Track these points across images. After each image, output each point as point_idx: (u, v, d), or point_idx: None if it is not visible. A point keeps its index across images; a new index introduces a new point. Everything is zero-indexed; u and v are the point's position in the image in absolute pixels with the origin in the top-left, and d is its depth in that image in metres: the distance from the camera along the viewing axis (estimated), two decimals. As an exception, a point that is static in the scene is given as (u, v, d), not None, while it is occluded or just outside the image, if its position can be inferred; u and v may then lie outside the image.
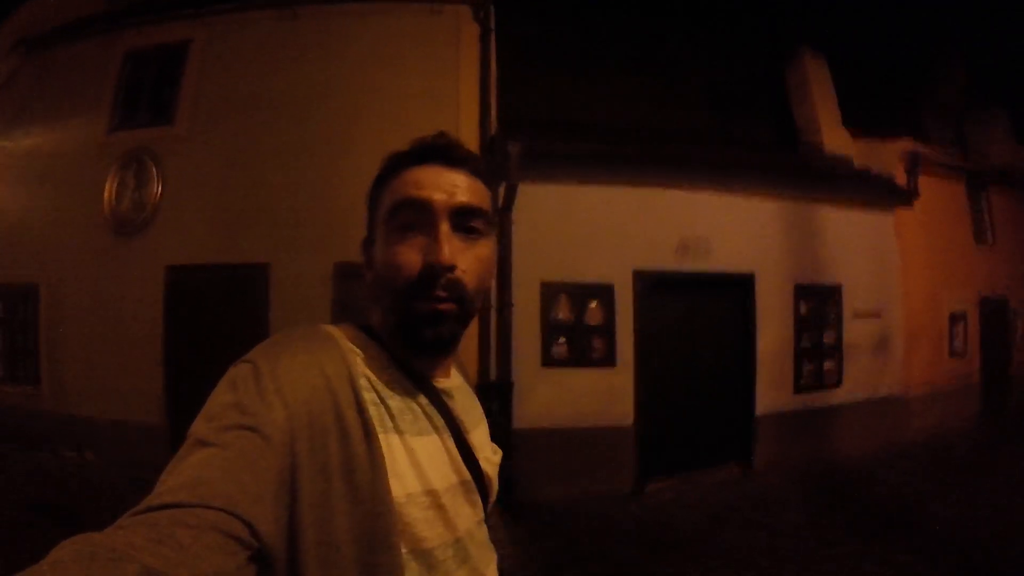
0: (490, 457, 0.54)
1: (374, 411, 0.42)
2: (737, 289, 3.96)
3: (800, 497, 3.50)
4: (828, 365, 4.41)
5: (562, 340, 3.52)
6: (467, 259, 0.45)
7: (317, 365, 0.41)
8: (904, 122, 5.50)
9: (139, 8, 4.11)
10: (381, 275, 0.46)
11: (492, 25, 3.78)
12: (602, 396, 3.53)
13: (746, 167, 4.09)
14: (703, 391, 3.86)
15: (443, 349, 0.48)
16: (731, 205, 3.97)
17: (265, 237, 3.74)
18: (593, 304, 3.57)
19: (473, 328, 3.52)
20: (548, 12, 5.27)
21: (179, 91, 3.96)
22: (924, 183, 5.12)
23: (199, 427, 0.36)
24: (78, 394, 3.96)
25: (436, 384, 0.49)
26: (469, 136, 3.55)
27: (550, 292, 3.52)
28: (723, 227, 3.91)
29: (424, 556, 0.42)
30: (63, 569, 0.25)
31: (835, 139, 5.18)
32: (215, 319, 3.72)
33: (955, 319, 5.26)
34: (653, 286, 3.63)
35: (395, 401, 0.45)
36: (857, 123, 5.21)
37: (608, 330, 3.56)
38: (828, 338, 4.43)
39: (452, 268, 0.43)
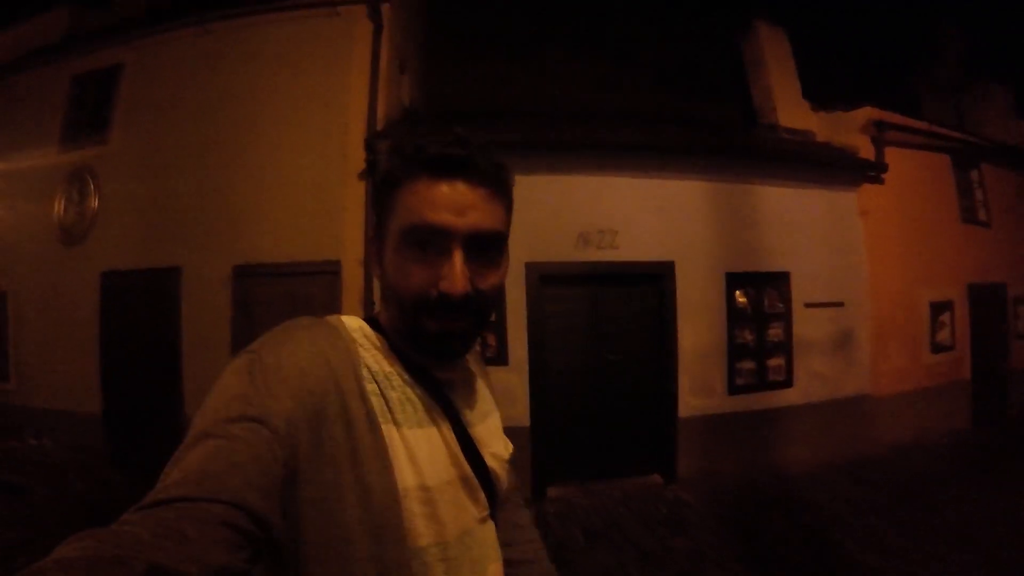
0: (498, 452, 0.52)
1: (375, 402, 0.42)
2: (653, 280, 3.64)
3: (715, 515, 3.10)
4: (774, 362, 3.94)
5: (452, 337, 3.40)
6: (482, 279, 0.45)
7: (321, 355, 0.41)
8: (880, 93, 4.92)
9: (82, 37, 4.51)
10: (392, 284, 0.45)
11: (383, 22, 3.77)
12: (496, 396, 3.35)
13: (665, 149, 3.77)
14: (614, 392, 3.55)
15: (455, 359, 0.49)
16: (647, 189, 3.65)
17: (178, 241, 3.93)
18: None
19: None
20: None
21: (113, 111, 4.31)
22: (899, 157, 4.52)
23: (203, 419, 0.35)
24: (38, 388, 4.37)
25: (437, 375, 0.48)
26: (356, 133, 3.55)
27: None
28: (637, 213, 3.59)
29: (417, 553, 0.41)
30: (68, 568, 0.24)
31: (793, 114, 4.72)
32: (139, 320, 3.99)
33: (938, 309, 4.56)
34: (548, 279, 3.41)
35: (394, 392, 0.44)
36: (829, 98, 4.71)
37: (499, 326, 3.38)
38: (774, 332, 3.96)
39: (467, 296, 0.43)
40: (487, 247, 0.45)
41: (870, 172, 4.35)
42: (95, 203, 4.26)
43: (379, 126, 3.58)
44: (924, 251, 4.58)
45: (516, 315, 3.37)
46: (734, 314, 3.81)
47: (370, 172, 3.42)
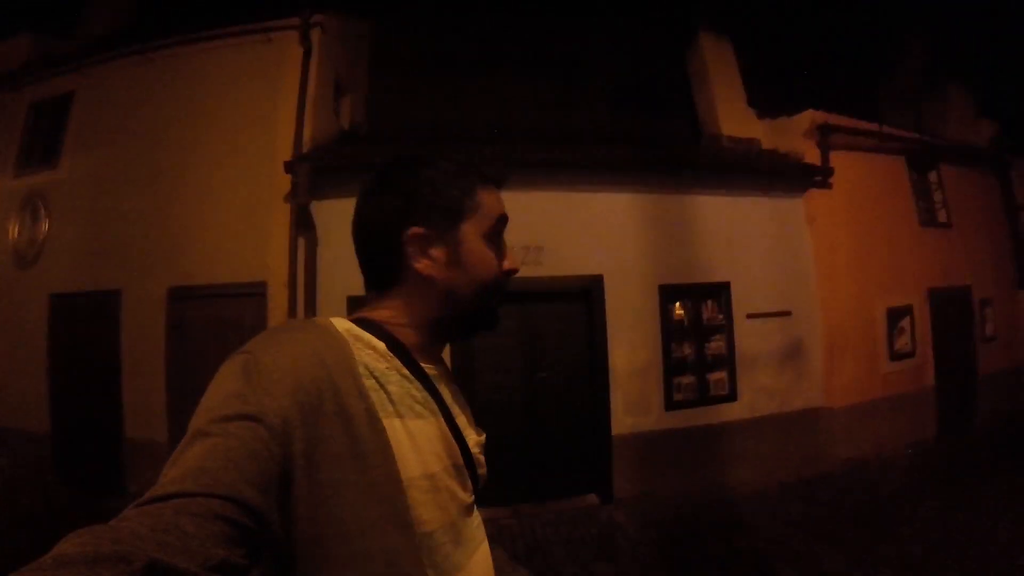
0: (477, 439, 0.56)
1: (375, 396, 0.43)
2: (581, 296, 3.58)
3: (648, 538, 2.97)
4: (716, 376, 3.83)
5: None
6: None
7: (316, 354, 0.42)
8: (835, 99, 4.85)
9: (38, 65, 4.64)
10: (475, 274, 0.52)
11: (313, 46, 3.83)
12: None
13: (591, 165, 3.72)
14: (545, 411, 3.47)
15: (474, 336, 0.57)
16: (574, 204, 3.60)
17: (119, 265, 3.99)
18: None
19: None
20: (431, 17, 5.28)
21: (64, 138, 4.42)
22: (849, 161, 4.42)
23: (199, 419, 0.36)
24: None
25: (427, 371, 0.51)
26: (283, 157, 3.57)
27: (358, 307, 3.38)
28: (563, 229, 3.55)
29: (425, 539, 0.43)
30: (67, 565, 0.24)
31: (738, 122, 4.67)
32: (84, 341, 4.05)
33: (896, 315, 4.40)
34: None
35: (394, 387, 0.46)
36: (779, 105, 4.65)
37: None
38: (715, 345, 3.86)
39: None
40: None
41: (816, 177, 4.25)
42: (45, 227, 4.36)
43: (304, 149, 3.61)
44: (879, 256, 4.44)
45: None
46: (670, 328, 3.72)
47: (294, 194, 3.44)
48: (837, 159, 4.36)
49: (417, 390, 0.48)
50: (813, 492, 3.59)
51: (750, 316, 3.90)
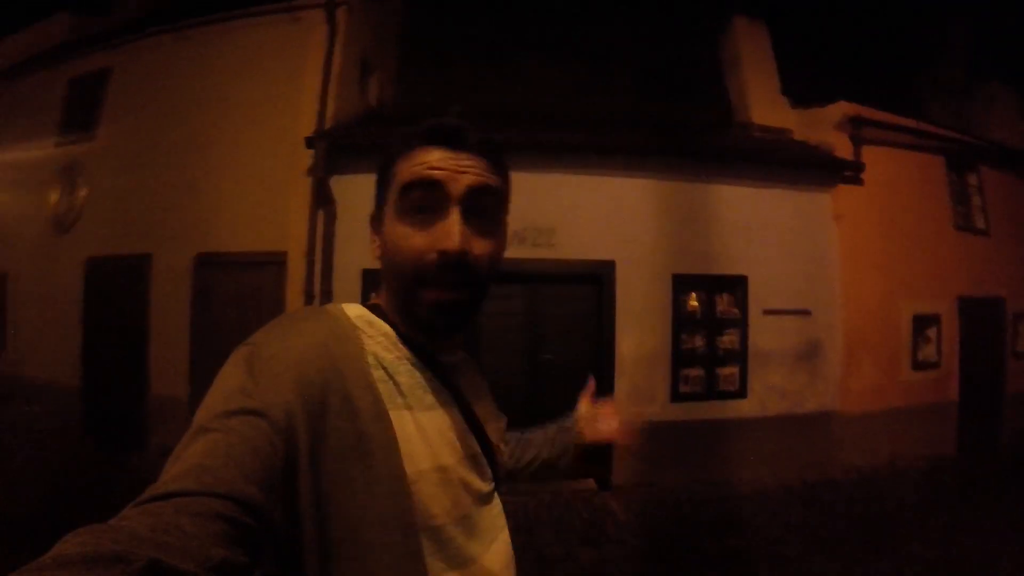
0: (499, 427, 0.56)
1: (383, 388, 0.42)
2: (591, 280, 3.56)
3: (638, 527, 2.96)
4: (726, 371, 3.76)
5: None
6: (480, 243, 0.45)
7: (322, 346, 0.41)
8: (875, 92, 4.63)
9: (76, 43, 4.87)
10: (390, 258, 0.46)
11: (339, 26, 3.88)
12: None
13: (614, 148, 3.68)
14: (548, 393, 3.50)
15: (454, 333, 0.50)
16: (590, 187, 3.57)
17: (150, 230, 4.18)
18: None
19: None
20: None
21: (102, 111, 4.64)
22: (883, 157, 4.23)
23: (203, 414, 0.36)
24: (27, 360, 4.72)
25: (442, 360, 0.49)
26: (305, 133, 3.65)
27: (372, 280, 3.47)
28: (576, 212, 3.53)
29: (434, 532, 0.42)
30: (67, 565, 0.24)
31: (769, 111, 4.52)
32: (115, 303, 4.28)
33: (922, 322, 4.20)
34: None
35: (404, 377, 0.45)
36: (814, 94, 4.47)
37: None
38: (727, 339, 3.79)
39: (464, 255, 0.43)
40: (485, 209, 0.45)
41: (846, 172, 4.09)
42: (83, 195, 4.60)
43: (327, 126, 3.69)
44: (908, 259, 4.25)
45: (448, 311, 3.38)
46: (682, 318, 3.67)
47: (313, 169, 3.52)
48: (869, 154, 4.18)
49: (429, 380, 0.47)
50: (817, 497, 3.48)
51: (767, 312, 3.81)
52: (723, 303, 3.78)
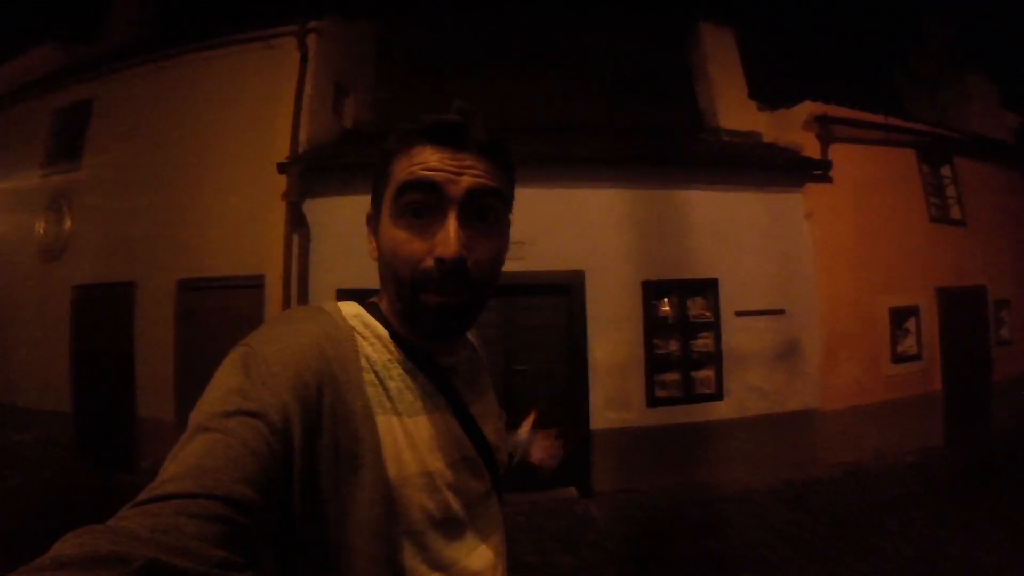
0: (498, 426, 0.54)
1: (372, 392, 0.42)
2: (562, 291, 3.61)
3: (620, 534, 2.97)
4: (702, 374, 3.78)
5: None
6: (480, 247, 0.43)
7: (317, 347, 0.41)
8: (853, 90, 4.67)
9: (59, 74, 5.01)
10: (387, 261, 0.45)
11: (310, 51, 3.99)
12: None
13: (585, 158, 3.75)
14: (523, 404, 3.53)
15: (454, 337, 0.49)
16: (558, 199, 3.63)
17: (134, 258, 4.28)
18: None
19: None
20: (434, 16, 5.40)
21: (86, 140, 4.76)
22: (852, 154, 4.27)
23: (199, 414, 0.36)
24: (17, 388, 4.81)
25: (440, 362, 0.49)
26: (280, 157, 3.74)
27: (347, 299, 3.52)
28: (545, 224, 3.58)
29: (417, 536, 0.42)
30: (65, 566, 0.24)
31: (737, 115, 4.58)
32: (102, 329, 4.37)
33: (900, 315, 4.21)
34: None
35: (394, 382, 0.44)
36: (784, 97, 4.52)
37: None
38: (701, 343, 3.81)
39: (462, 261, 0.41)
40: (486, 212, 0.44)
41: (814, 171, 4.12)
42: (69, 224, 4.71)
43: (301, 149, 3.78)
44: (883, 254, 4.27)
45: (422, 326, 3.43)
46: (654, 324, 3.70)
47: (287, 194, 3.61)
48: (839, 152, 4.22)
49: (421, 383, 0.46)
50: (801, 497, 3.46)
51: (739, 313, 3.84)
52: (696, 307, 3.82)
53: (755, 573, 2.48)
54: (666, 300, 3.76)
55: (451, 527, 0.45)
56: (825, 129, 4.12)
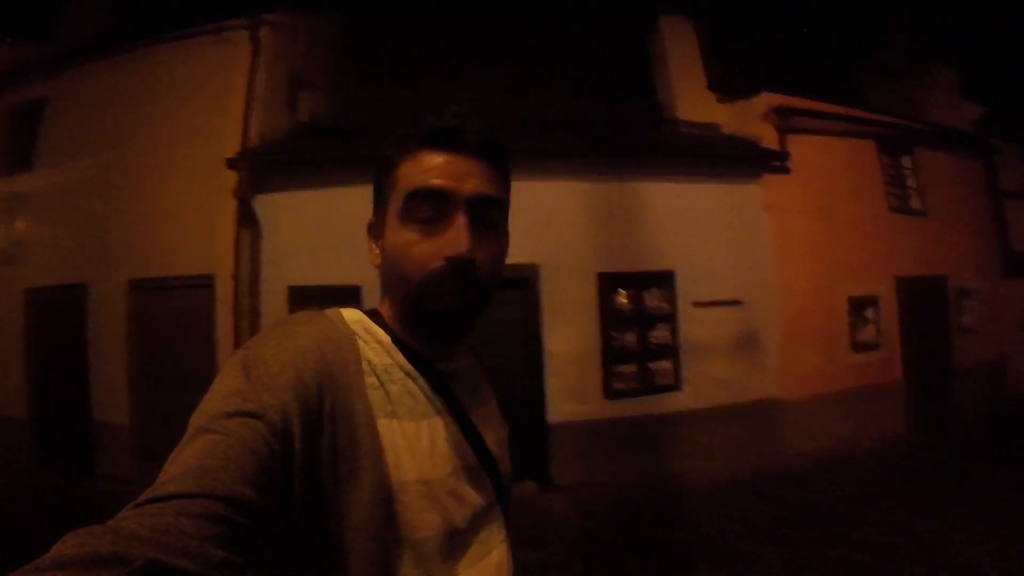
0: (500, 437, 0.54)
1: (373, 395, 0.42)
2: (517, 284, 3.58)
3: (580, 527, 2.94)
4: (660, 366, 3.78)
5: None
6: (484, 249, 0.45)
7: (317, 350, 0.41)
8: (814, 82, 4.69)
9: (10, 73, 4.88)
10: (394, 265, 0.45)
11: (262, 46, 3.92)
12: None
13: (543, 152, 3.71)
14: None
15: (458, 338, 0.50)
16: (513, 192, 3.62)
17: (85, 260, 4.19)
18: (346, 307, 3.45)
19: (228, 332, 3.60)
20: (394, 10, 5.32)
21: (38, 142, 4.65)
22: (811, 145, 4.29)
23: (200, 416, 0.36)
24: None
25: (440, 367, 0.49)
26: (230, 154, 3.68)
27: (299, 296, 3.47)
28: (500, 216, 3.57)
29: (416, 545, 0.42)
30: (66, 566, 0.24)
31: (697, 106, 4.57)
32: (55, 332, 4.26)
33: (859, 304, 4.23)
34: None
35: (395, 386, 0.44)
36: (743, 88, 4.52)
37: (359, 333, 3.41)
38: (659, 334, 3.81)
39: (471, 262, 0.43)
40: (488, 216, 0.46)
41: (773, 162, 4.13)
42: (21, 226, 4.60)
43: (252, 145, 3.71)
44: (842, 243, 4.29)
45: (374, 322, 3.39)
46: (611, 316, 3.69)
47: (236, 190, 3.54)
48: (799, 143, 4.23)
49: (422, 388, 0.46)
50: (763, 487, 3.46)
51: (696, 304, 3.83)
52: (652, 298, 3.81)
53: (717, 562, 2.46)
54: (623, 292, 3.75)
55: (451, 539, 0.44)
56: (784, 120, 4.13)
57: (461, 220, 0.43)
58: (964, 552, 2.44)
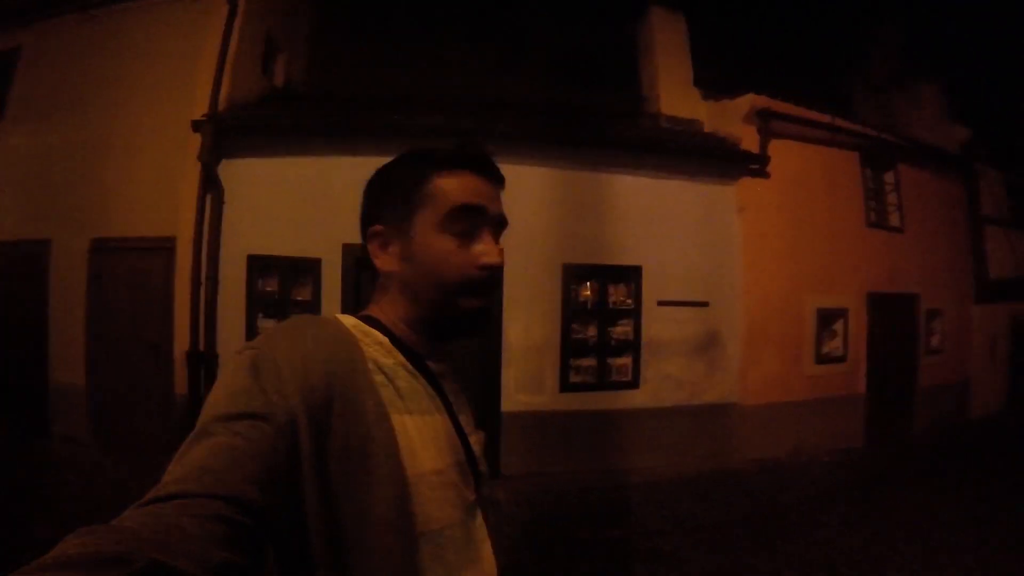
0: (477, 437, 0.57)
1: (384, 392, 0.44)
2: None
3: (519, 518, 2.93)
4: (619, 362, 3.76)
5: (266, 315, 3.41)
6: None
7: (324, 350, 0.42)
8: (803, 88, 4.62)
9: None
10: (429, 270, 0.49)
11: (239, 5, 3.83)
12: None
13: (517, 135, 3.65)
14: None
15: (480, 335, 0.55)
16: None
17: (50, 216, 4.11)
18: (304, 279, 3.42)
19: (185, 298, 3.56)
20: None
21: (9, 90, 4.55)
22: (792, 151, 4.24)
23: (207, 415, 0.36)
24: None
25: (432, 368, 0.52)
26: (200, 113, 3.60)
27: (258, 266, 3.43)
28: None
29: (432, 537, 0.43)
30: (68, 566, 0.24)
31: (680, 101, 4.51)
32: (15, 289, 4.18)
33: (828, 316, 4.21)
34: (365, 263, 3.38)
35: (402, 382, 0.46)
36: (728, 87, 4.46)
37: (315, 305, 3.37)
38: (620, 330, 3.79)
39: (500, 269, 0.50)
40: (499, 233, 0.53)
41: (751, 165, 4.09)
42: (-11, 178, 4.52)
43: (221, 107, 3.64)
44: (815, 253, 4.26)
45: (332, 294, 3.36)
46: (573, 308, 3.66)
47: (200, 153, 3.47)
48: (780, 148, 4.18)
49: (423, 385, 0.48)
50: (711, 490, 3.46)
51: (661, 303, 3.81)
52: (617, 293, 3.78)
53: (651, 563, 2.45)
54: (587, 284, 3.72)
55: (462, 529, 0.46)
56: (766, 123, 4.07)
57: (490, 235, 0.51)
58: (899, 567, 2.42)
